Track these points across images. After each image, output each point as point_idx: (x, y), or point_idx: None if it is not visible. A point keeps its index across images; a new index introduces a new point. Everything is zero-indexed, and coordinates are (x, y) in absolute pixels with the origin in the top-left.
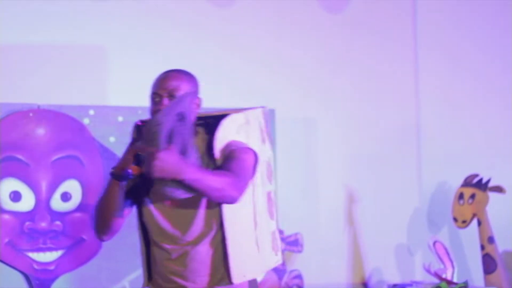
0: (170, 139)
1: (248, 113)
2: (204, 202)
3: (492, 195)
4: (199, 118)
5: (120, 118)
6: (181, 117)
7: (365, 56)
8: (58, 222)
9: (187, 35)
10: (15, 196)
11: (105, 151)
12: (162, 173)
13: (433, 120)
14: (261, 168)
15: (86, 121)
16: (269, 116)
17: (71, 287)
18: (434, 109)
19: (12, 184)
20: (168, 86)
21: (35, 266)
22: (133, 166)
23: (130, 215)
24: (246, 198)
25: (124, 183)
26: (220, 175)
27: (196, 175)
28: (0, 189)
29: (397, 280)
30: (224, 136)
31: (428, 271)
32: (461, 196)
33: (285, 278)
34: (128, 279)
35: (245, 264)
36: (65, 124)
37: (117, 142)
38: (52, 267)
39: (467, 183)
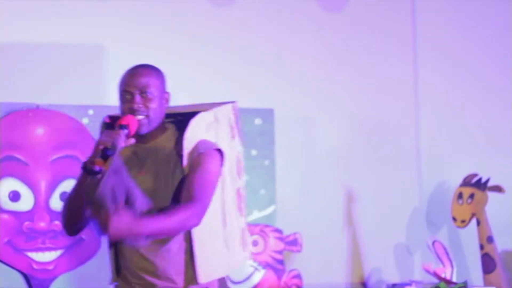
0: (114, 197)
1: (217, 111)
2: (171, 196)
3: (491, 195)
4: (170, 115)
5: None
6: (115, 170)
7: (365, 55)
8: (57, 222)
9: (187, 35)
10: (14, 196)
11: None
12: (119, 235)
13: (432, 119)
14: (230, 164)
15: (85, 120)
16: (239, 110)
17: (70, 287)
18: (433, 109)
19: (11, 183)
20: (139, 83)
21: (34, 266)
22: (97, 159)
23: None
24: (215, 197)
25: (95, 177)
26: (176, 213)
27: (151, 227)
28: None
29: (396, 279)
30: (193, 135)
31: (427, 270)
32: (460, 195)
33: (284, 278)
34: None
35: (212, 264)
36: (64, 124)
37: None
38: (51, 267)
39: (466, 182)
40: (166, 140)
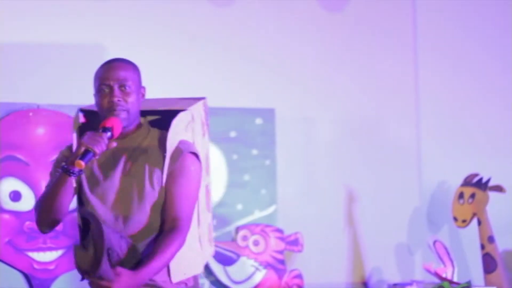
0: (110, 260)
1: (193, 109)
2: (148, 197)
3: (492, 195)
4: (144, 113)
5: None
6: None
7: (365, 55)
8: None
9: (187, 35)
10: (15, 196)
11: None
12: None
13: (432, 119)
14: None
15: None
16: (208, 107)
17: (71, 287)
18: (434, 109)
19: (12, 183)
20: (119, 76)
21: (35, 266)
22: (77, 161)
23: None
24: None
25: (74, 178)
26: (169, 244)
27: (152, 270)
28: (0, 188)
29: (397, 279)
30: (174, 136)
31: (428, 270)
32: (461, 195)
33: (285, 278)
34: None
35: (187, 262)
36: (65, 123)
37: None
38: (52, 267)
39: (467, 182)
40: (141, 136)
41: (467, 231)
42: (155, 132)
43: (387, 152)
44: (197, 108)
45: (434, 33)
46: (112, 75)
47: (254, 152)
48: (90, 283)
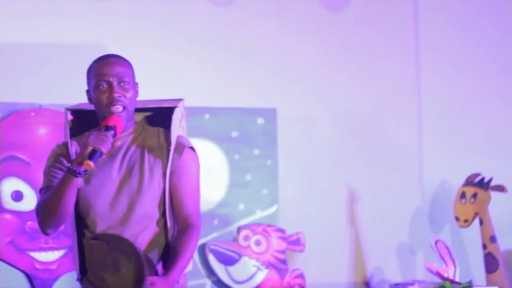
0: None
1: (181, 107)
2: (148, 192)
3: (494, 194)
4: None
5: None
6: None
7: (366, 55)
8: None
9: (188, 35)
10: (17, 196)
11: None
12: None
13: (434, 119)
14: None
15: None
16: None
17: (72, 287)
18: (435, 108)
19: (14, 183)
20: (118, 72)
21: (37, 266)
22: (86, 161)
23: None
24: None
25: (80, 178)
26: (187, 244)
27: (179, 271)
28: (2, 188)
29: (398, 279)
30: (175, 131)
31: (429, 270)
32: (463, 195)
33: (287, 278)
34: None
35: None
36: None
37: None
38: (54, 267)
39: (469, 182)
40: (137, 131)
41: (469, 231)
42: (151, 129)
43: (389, 152)
44: (182, 106)
45: (435, 33)
46: (111, 71)
47: (256, 152)
48: None
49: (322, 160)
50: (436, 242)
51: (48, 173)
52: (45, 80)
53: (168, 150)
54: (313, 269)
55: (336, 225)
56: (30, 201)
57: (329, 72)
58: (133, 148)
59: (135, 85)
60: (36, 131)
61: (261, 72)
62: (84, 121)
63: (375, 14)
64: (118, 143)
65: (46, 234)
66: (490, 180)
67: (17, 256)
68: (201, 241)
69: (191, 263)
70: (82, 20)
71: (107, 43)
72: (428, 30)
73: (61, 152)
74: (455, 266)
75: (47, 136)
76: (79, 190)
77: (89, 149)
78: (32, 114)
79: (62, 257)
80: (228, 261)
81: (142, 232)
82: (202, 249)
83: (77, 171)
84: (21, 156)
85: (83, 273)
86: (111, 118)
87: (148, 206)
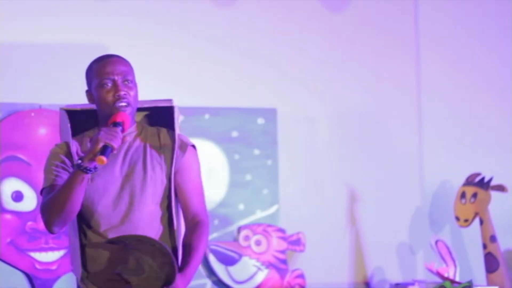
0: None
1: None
2: (150, 189)
3: (494, 194)
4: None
5: None
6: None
7: (367, 55)
8: None
9: (188, 35)
10: (17, 196)
11: None
12: None
13: (434, 119)
14: None
15: None
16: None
17: (73, 287)
18: (435, 108)
19: (14, 184)
20: (122, 70)
21: (37, 266)
22: (99, 157)
23: None
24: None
25: (89, 175)
26: (199, 240)
27: (194, 267)
28: (2, 189)
29: (399, 279)
30: (178, 130)
31: (430, 270)
32: (463, 195)
33: (287, 278)
34: None
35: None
36: None
37: None
38: (54, 267)
39: (469, 182)
40: (138, 131)
41: (469, 230)
42: (150, 128)
43: (389, 152)
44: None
45: (435, 33)
46: (115, 69)
47: (256, 152)
48: None
49: (322, 160)
50: (437, 242)
51: (49, 172)
52: (45, 80)
53: (173, 149)
54: (314, 269)
55: (337, 225)
56: (30, 202)
57: (329, 72)
58: (134, 146)
59: (136, 84)
60: (36, 131)
61: (261, 72)
62: (80, 121)
63: (375, 14)
64: (128, 138)
65: (52, 232)
66: (490, 179)
67: (17, 257)
68: None
69: None
70: (82, 20)
71: (108, 43)
72: (428, 30)
73: (62, 152)
74: (455, 266)
75: (47, 136)
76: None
77: (101, 144)
78: (32, 114)
79: (62, 257)
80: (228, 261)
81: (147, 232)
82: None
83: (88, 168)
84: (21, 156)
85: (84, 273)
86: (119, 114)
87: (150, 204)
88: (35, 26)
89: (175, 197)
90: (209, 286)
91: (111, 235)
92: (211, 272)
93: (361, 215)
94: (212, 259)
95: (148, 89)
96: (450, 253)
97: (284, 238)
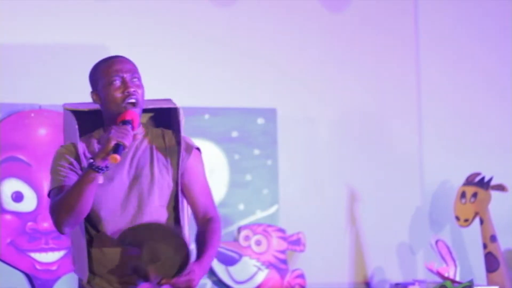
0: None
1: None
2: (158, 191)
3: (494, 194)
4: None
5: None
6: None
7: (367, 55)
8: None
9: (188, 35)
10: (17, 197)
11: None
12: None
13: (435, 118)
14: None
15: None
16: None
17: None
18: (436, 108)
19: (14, 184)
20: (130, 69)
21: (37, 267)
22: (112, 155)
23: None
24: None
25: (101, 174)
26: (214, 233)
27: (210, 257)
28: (2, 189)
29: (399, 279)
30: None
31: (430, 270)
32: (463, 194)
33: (288, 278)
34: None
35: None
36: None
37: None
38: (54, 267)
39: (469, 181)
40: (144, 133)
41: (469, 230)
42: (155, 130)
43: (389, 151)
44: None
45: (436, 33)
46: (123, 67)
47: (256, 152)
48: None
49: (322, 160)
50: (437, 241)
51: (57, 173)
52: (45, 80)
53: (179, 152)
54: (314, 269)
55: (337, 225)
56: (30, 202)
57: (329, 72)
58: (142, 148)
59: (143, 84)
60: (36, 132)
61: (261, 72)
62: (85, 122)
63: (375, 14)
64: (139, 136)
65: (62, 233)
66: (490, 179)
67: (17, 257)
68: None
69: None
70: (82, 20)
71: (108, 43)
72: (428, 30)
73: (69, 153)
74: (455, 265)
75: (47, 137)
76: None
77: (113, 143)
78: (32, 115)
79: (62, 258)
80: (228, 261)
81: None
82: None
83: (100, 167)
84: (21, 157)
85: (91, 276)
86: (128, 113)
87: (158, 207)
88: (35, 26)
89: (181, 199)
90: (209, 286)
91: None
92: (211, 272)
93: (361, 215)
94: None
95: (148, 89)
96: (450, 253)
97: (284, 238)
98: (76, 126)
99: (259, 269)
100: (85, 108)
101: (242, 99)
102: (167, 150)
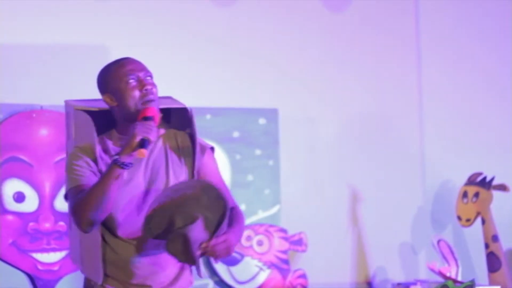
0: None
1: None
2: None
3: (496, 194)
4: None
5: None
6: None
7: (369, 55)
8: (62, 223)
9: (188, 35)
10: (19, 197)
11: None
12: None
13: (436, 118)
14: None
15: None
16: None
17: None
18: (437, 108)
19: (16, 184)
20: (144, 68)
21: (39, 267)
22: (139, 150)
23: None
24: None
25: (125, 170)
26: (238, 216)
27: (240, 231)
28: (4, 190)
29: (401, 279)
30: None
31: (432, 269)
32: (465, 194)
33: (289, 278)
34: None
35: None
36: None
37: None
38: (56, 268)
39: (471, 181)
40: (158, 134)
41: (471, 230)
42: (167, 131)
43: (391, 151)
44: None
45: (436, 33)
46: (137, 66)
47: (257, 152)
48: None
49: (324, 160)
50: (439, 241)
51: (73, 173)
52: (46, 81)
53: (194, 153)
54: (316, 269)
55: (338, 225)
56: (32, 202)
57: (330, 72)
58: (157, 150)
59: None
60: (38, 132)
61: (263, 73)
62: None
63: (376, 14)
64: (161, 131)
65: (86, 232)
66: (492, 179)
67: (19, 257)
68: None
69: None
70: (82, 20)
71: (108, 43)
72: (429, 30)
73: (85, 153)
74: (457, 265)
75: (49, 137)
76: None
77: (138, 138)
78: (34, 115)
79: (64, 258)
80: (230, 261)
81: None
82: None
83: (126, 163)
84: (22, 157)
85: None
86: (148, 109)
87: None
88: (35, 26)
89: None
90: (211, 286)
91: (135, 241)
92: (213, 272)
93: (363, 215)
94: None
95: None
96: (452, 252)
97: (286, 238)
98: (94, 127)
99: (261, 269)
100: (95, 108)
101: (244, 99)
102: (180, 150)
